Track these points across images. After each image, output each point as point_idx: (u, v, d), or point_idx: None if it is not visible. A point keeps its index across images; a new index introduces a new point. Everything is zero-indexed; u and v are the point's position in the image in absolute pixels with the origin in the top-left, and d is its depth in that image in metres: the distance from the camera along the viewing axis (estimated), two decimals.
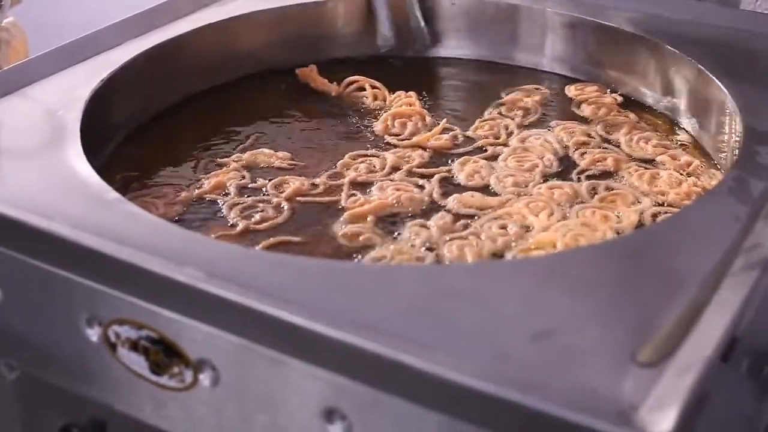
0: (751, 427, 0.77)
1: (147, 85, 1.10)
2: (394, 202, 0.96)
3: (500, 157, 1.04)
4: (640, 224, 0.91)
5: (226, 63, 1.20)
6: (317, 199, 0.98)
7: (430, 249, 0.88)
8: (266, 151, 1.06)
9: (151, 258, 0.72)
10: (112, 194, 0.83)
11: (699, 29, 1.16)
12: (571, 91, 1.20)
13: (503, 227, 0.90)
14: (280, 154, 1.05)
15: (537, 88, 1.21)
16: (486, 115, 1.15)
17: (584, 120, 1.13)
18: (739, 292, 0.69)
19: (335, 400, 0.67)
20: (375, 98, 1.18)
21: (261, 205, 0.96)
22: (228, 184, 0.99)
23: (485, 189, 0.98)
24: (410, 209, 0.95)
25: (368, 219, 0.93)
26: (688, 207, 0.91)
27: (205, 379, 0.72)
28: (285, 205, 0.96)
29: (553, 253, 0.85)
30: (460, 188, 0.99)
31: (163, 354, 0.73)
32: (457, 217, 0.93)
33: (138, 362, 0.75)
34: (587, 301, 0.70)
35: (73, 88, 1.01)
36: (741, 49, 1.12)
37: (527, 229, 0.90)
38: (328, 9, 1.28)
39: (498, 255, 0.87)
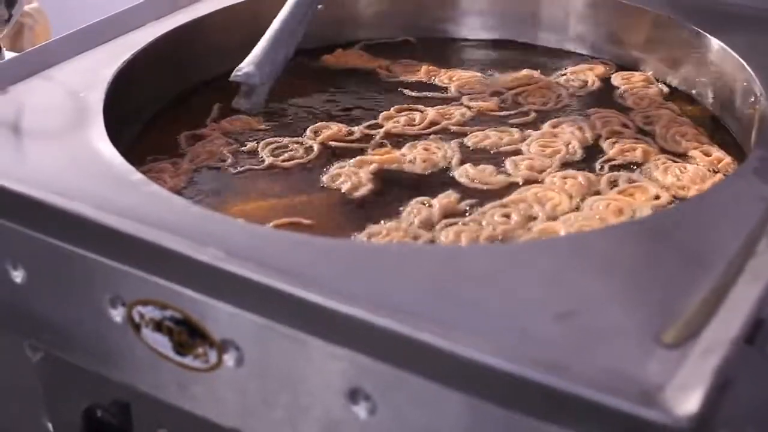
0: None
1: (170, 66, 1.11)
2: (407, 158, 0.98)
3: (525, 142, 1.02)
4: None
5: (251, 44, 1.20)
6: (349, 145, 1.02)
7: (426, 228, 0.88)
8: (242, 117, 1.07)
9: (174, 238, 0.72)
10: (136, 175, 0.83)
11: (723, 8, 1.15)
12: (617, 79, 1.17)
13: (506, 215, 0.89)
14: (256, 119, 1.07)
15: (606, 63, 1.20)
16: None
17: (626, 110, 1.10)
18: (764, 273, 0.68)
19: (359, 380, 0.67)
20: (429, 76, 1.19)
21: (294, 145, 1.01)
22: (222, 151, 1.01)
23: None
24: (422, 170, 0.97)
25: (370, 167, 0.95)
26: (713, 187, 0.91)
27: (229, 359, 0.72)
28: (316, 147, 1.00)
29: (576, 234, 0.85)
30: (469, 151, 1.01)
31: (188, 334, 0.74)
32: (463, 197, 0.92)
33: (162, 343, 0.75)
34: (611, 282, 0.70)
35: (96, 70, 1.01)
36: (766, 29, 1.10)
37: (532, 218, 0.89)
38: None
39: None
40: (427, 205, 0.90)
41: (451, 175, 0.96)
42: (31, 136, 0.91)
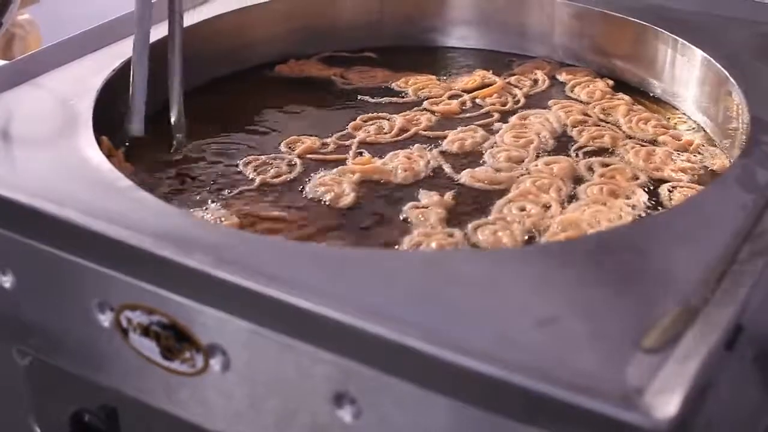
0: (755, 415, 0.78)
1: (159, 75, 1.11)
2: (390, 168, 0.99)
3: (498, 133, 1.06)
4: (651, 198, 0.93)
5: (240, 52, 1.21)
6: (327, 157, 1.02)
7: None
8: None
9: (162, 243, 0.73)
10: (124, 181, 0.84)
11: (706, 18, 1.16)
12: (563, 75, 1.21)
13: (522, 209, 0.91)
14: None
15: (548, 61, 1.24)
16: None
17: (581, 103, 1.14)
18: (745, 280, 0.69)
19: (344, 384, 0.68)
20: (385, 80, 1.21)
21: (274, 162, 1.01)
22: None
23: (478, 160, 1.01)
24: (403, 179, 0.98)
25: (353, 177, 0.97)
26: (696, 195, 0.92)
27: (215, 364, 0.73)
28: (297, 162, 1.01)
29: (559, 240, 0.86)
30: (452, 156, 1.02)
31: (175, 339, 0.74)
32: (440, 191, 0.95)
33: (149, 347, 0.76)
34: (593, 288, 0.70)
35: (86, 78, 1.02)
36: (748, 39, 1.12)
37: (546, 207, 0.91)
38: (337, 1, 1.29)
39: (531, 236, 0.88)
40: (421, 208, 0.92)
41: (456, 180, 0.98)
42: (21, 143, 0.92)
